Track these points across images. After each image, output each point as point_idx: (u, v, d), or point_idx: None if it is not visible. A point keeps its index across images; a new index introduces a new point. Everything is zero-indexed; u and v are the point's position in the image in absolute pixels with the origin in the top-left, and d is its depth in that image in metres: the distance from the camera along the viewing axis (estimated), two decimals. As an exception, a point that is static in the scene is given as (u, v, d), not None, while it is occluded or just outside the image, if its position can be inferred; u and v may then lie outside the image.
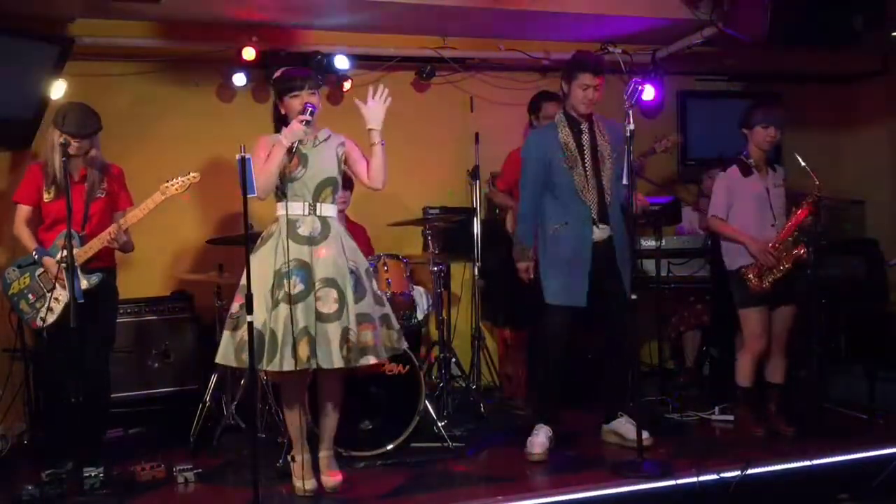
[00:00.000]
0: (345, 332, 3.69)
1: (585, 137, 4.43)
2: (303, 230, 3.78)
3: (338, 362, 3.67)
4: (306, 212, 3.80)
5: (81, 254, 4.10)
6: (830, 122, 6.97)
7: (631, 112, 4.03)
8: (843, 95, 7.07)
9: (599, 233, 4.38)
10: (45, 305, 4.13)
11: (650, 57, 6.21)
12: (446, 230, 5.50)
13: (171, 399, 5.16)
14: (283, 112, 3.89)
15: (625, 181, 4.06)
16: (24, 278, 4.19)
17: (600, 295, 4.36)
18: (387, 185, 3.95)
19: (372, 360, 3.76)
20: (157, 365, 5.17)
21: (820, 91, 6.95)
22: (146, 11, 4.96)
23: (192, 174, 4.24)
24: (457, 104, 6.26)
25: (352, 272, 3.79)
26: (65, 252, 4.02)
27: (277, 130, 3.90)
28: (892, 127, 6.81)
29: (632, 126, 4.01)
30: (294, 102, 3.83)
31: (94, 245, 4.14)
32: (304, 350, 3.63)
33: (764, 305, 4.60)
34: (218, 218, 5.71)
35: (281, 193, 3.83)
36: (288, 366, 3.63)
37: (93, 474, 3.93)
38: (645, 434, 4.28)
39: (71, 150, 4.07)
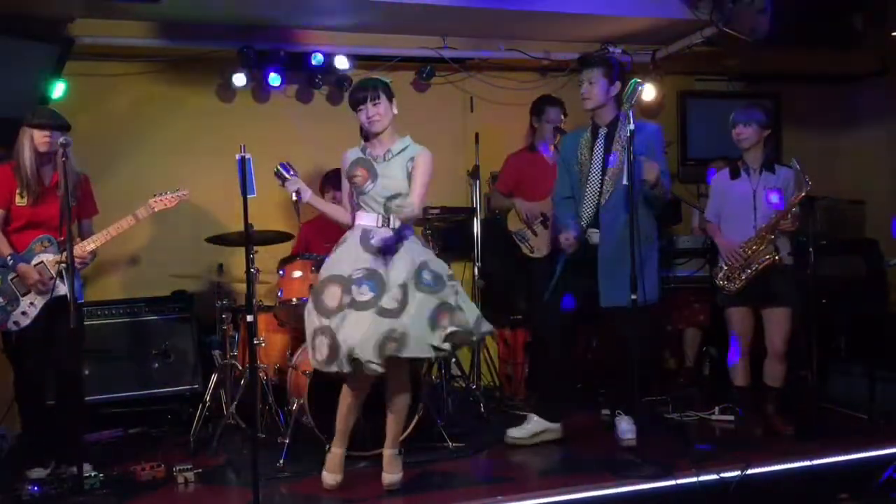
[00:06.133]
0: (434, 319, 3.74)
1: (599, 142, 4.43)
2: (376, 241, 3.82)
3: (426, 351, 3.74)
4: (379, 223, 3.87)
5: (57, 261, 4.08)
6: (830, 122, 6.97)
7: (631, 112, 4.02)
8: (843, 95, 7.06)
9: (593, 237, 4.41)
10: (19, 310, 4.08)
11: (650, 57, 6.22)
12: (446, 230, 5.50)
13: (171, 399, 5.16)
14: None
15: (624, 181, 4.06)
16: None
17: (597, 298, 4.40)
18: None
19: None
20: (157, 365, 5.17)
21: (820, 91, 6.94)
22: (146, 11, 4.96)
23: (181, 191, 4.26)
24: (457, 104, 6.26)
25: (423, 269, 3.81)
26: (45, 256, 4.07)
27: (365, 139, 3.98)
28: (892, 127, 6.81)
29: (632, 126, 4.00)
30: (361, 116, 3.90)
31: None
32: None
33: (745, 305, 4.61)
34: (218, 218, 5.71)
35: (357, 204, 3.93)
36: (343, 368, 3.66)
37: (91, 474, 3.93)
38: (630, 434, 4.35)
39: (41, 147, 4.05)
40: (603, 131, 4.44)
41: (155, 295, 5.45)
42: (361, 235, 3.85)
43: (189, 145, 5.57)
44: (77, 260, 4.04)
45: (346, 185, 4.00)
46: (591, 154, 4.43)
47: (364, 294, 3.69)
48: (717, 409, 5.03)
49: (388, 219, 3.85)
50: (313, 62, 5.62)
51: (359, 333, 3.62)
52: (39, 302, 4.07)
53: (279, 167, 3.86)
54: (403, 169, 3.89)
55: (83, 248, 4.13)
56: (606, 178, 4.37)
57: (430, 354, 3.81)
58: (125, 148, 5.38)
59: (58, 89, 5.00)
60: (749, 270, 4.52)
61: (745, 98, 6.72)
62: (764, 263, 4.49)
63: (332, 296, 3.73)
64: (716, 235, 4.74)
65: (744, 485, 3.86)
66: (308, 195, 3.87)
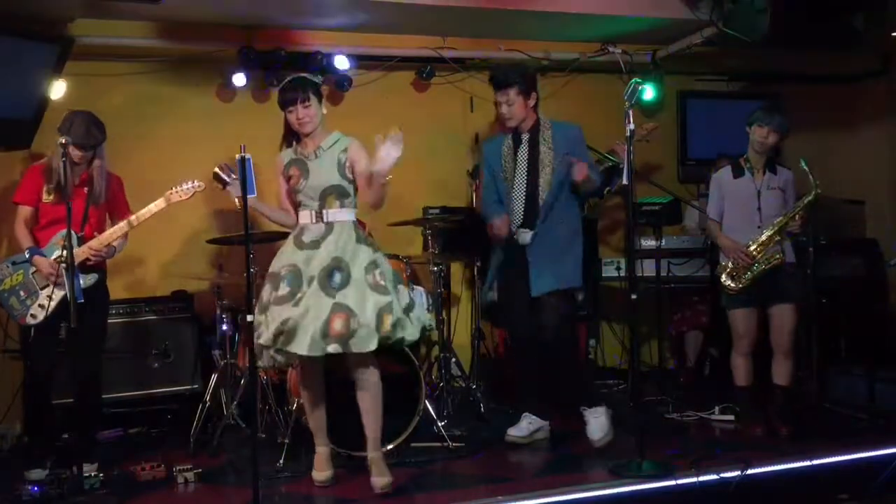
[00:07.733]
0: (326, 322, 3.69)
1: (523, 148, 4.49)
2: (307, 237, 3.87)
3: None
4: (314, 219, 3.90)
5: (79, 254, 4.12)
6: (830, 122, 6.96)
7: (631, 112, 4.03)
8: (843, 95, 7.05)
9: (523, 237, 4.47)
10: (37, 303, 4.15)
11: (650, 57, 6.22)
12: (446, 230, 5.50)
13: (171, 399, 5.16)
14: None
15: (625, 181, 4.09)
16: (18, 275, 4.21)
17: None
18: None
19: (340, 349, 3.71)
20: (157, 365, 5.17)
21: (820, 91, 6.93)
22: (146, 11, 4.96)
23: (197, 183, 4.30)
24: (457, 104, 6.26)
25: (337, 269, 3.78)
26: (63, 252, 4.03)
27: (287, 141, 4.01)
28: (892, 127, 6.80)
29: (632, 126, 4.01)
30: (291, 118, 3.93)
31: (83, 252, 4.16)
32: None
33: (750, 306, 4.60)
34: (218, 218, 5.71)
35: (297, 202, 3.96)
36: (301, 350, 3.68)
37: (92, 474, 3.93)
38: (599, 434, 4.39)
39: (75, 159, 4.13)
40: (526, 136, 4.50)
41: (155, 295, 5.46)
42: (297, 233, 3.92)
43: (189, 145, 5.57)
44: (92, 252, 4.19)
45: (283, 185, 4.03)
46: (514, 160, 4.49)
47: (282, 290, 3.76)
48: (716, 408, 5.03)
49: (322, 214, 3.89)
50: (313, 62, 5.61)
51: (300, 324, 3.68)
52: (56, 296, 4.09)
53: (217, 170, 3.83)
54: (335, 162, 3.93)
55: (100, 241, 4.21)
56: (541, 179, 4.42)
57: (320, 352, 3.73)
58: (125, 148, 5.36)
59: (58, 89, 5.01)
60: (754, 271, 4.51)
61: (746, 98, 6.73)
62: (772, 264, 4.48)
63: (266, 291, 3.84)
64: (718, 236, 4.71)
65: (744, 485, 3.85)
66: (251, 198, 3.75)
